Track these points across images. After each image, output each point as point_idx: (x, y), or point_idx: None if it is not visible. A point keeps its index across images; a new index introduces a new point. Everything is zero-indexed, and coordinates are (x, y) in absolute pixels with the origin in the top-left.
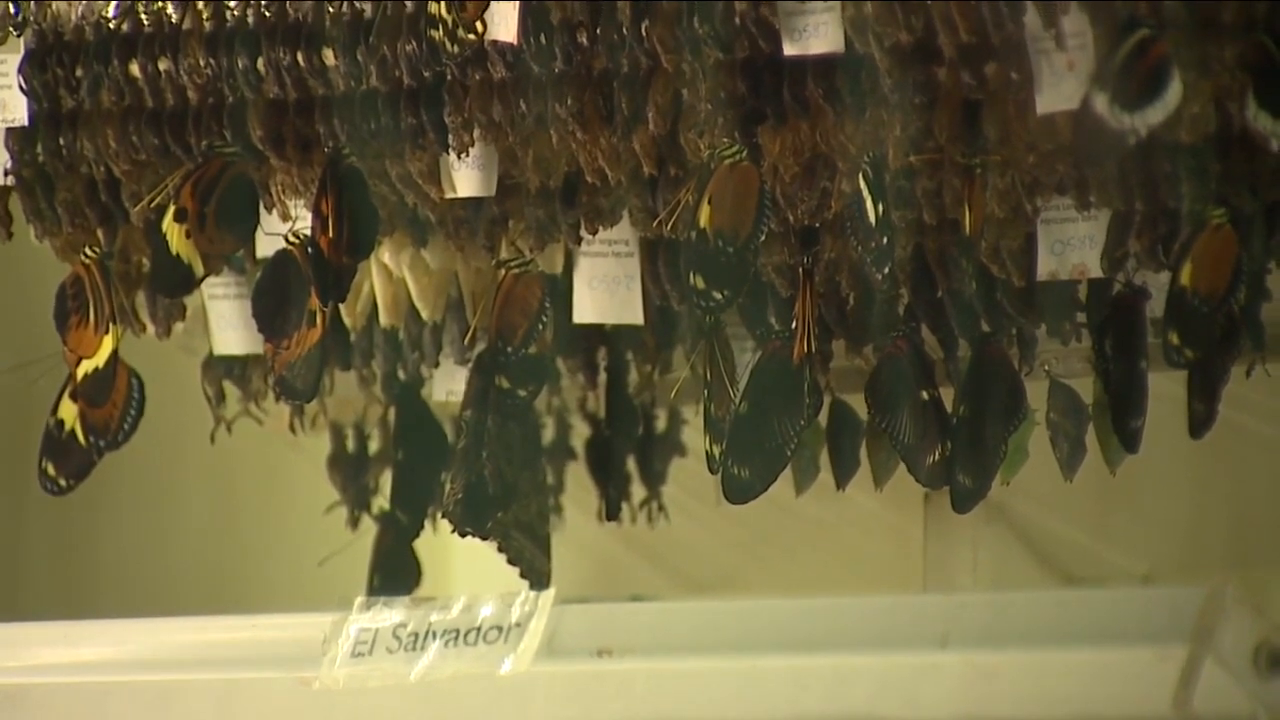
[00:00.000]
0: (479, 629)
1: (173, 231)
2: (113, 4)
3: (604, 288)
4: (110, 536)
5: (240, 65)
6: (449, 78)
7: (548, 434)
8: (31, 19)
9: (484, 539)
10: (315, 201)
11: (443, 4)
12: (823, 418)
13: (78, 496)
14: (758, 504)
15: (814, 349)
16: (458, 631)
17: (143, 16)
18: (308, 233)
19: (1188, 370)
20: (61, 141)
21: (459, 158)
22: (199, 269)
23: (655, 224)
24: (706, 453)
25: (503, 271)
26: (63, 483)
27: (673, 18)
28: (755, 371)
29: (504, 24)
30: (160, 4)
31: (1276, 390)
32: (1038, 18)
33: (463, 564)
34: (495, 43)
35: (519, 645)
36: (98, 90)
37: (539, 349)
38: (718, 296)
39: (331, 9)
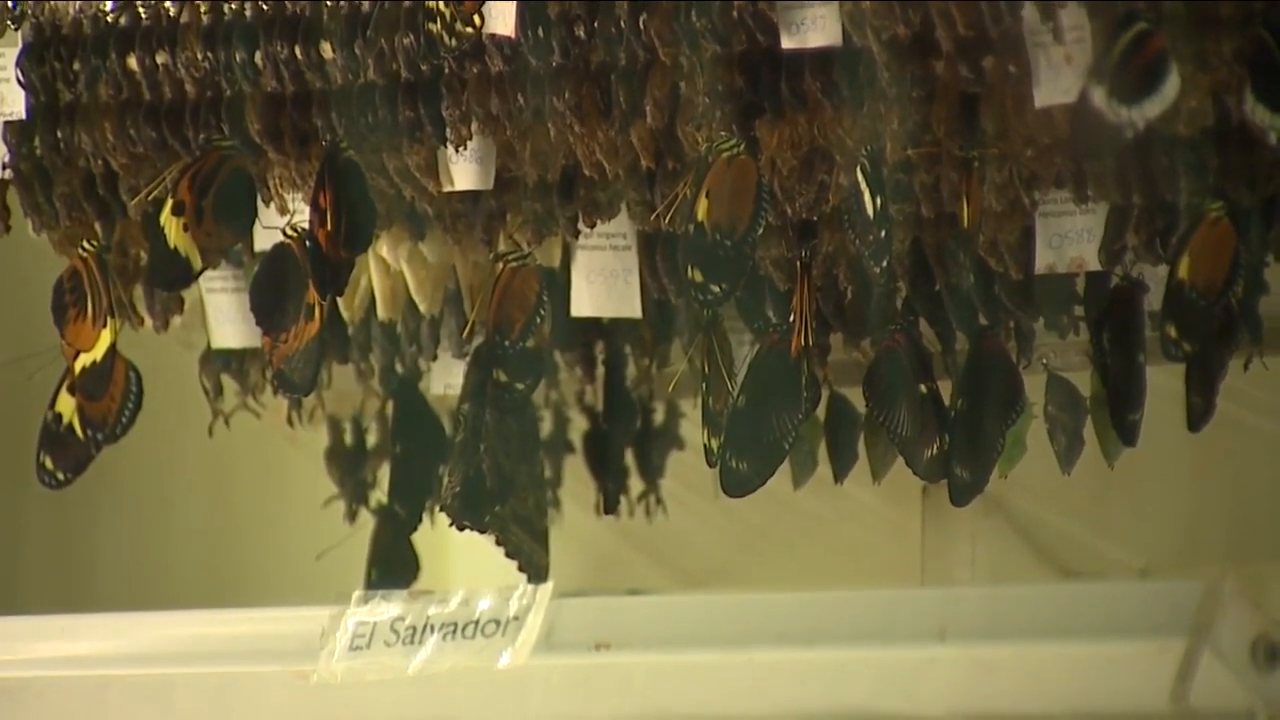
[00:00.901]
0: (477, 622)
1: (170, 225)
2: None
3: (602, 281)
4: (108, 530)
5: (238, 59)
6: (447, 71)
7: (545, 427)
8: (29, 13)
9: (482, 532)
10: (313, 195)
11: None
12: (821, 411)
13: (76, 490)
14: (755, 497)
15: (812, 342)
16: (456, 625)
17: (140, 10)
18: (305, 226)
19: (1186, 364)
20: (59, 135)
21: (457, 151)
22: (197, 262)
23: (653, 217)
24: (704, 446)
25: (500, 265)
26: (61, 476)
27: (670, 11)
28: (753, 365)
29: (501, 18)
30: None
31: (1274, 384)
32: (1035, 11)
33: (461, 558)
34: (493, 36)
35: (517, 639)
36: (95, 84)
37: (537, 342)
38: (715, 290)
39: (329, 3)
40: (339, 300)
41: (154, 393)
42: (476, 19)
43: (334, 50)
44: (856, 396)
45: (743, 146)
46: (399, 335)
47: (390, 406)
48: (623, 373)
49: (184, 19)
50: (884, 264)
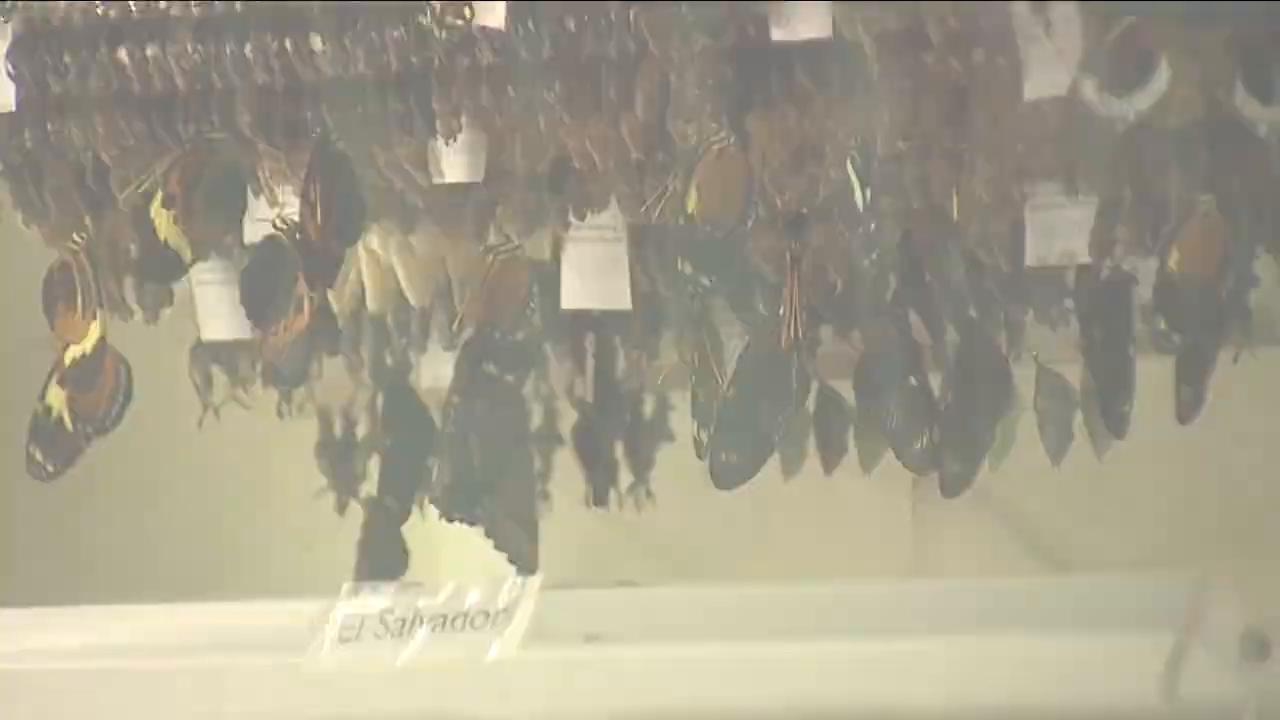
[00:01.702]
0: (466, 615)
1: (160, 217)
2: None
3: (592, 273)
4: (98, 522)
5: (228, 51)
6: (437, 64)
7: (535, 419)
8: (19, 5)
9: (471, 524)
10: (303, 187)
11: None
12: (810, 403)
13: (65, 482)
14: (745, 489)
15: (802, 335)
16: (445, 617)
17: (130, 3)
18: (296, 218)
19: (1176, 356)
20: (49, 128)
21: (447, 144)
22: (187, 255)
23: (643, 210)
24: (694, 438)
25: (490, 257)
26: (50, 468)
27: (661, 3)
28: (743, 357)
29: (491, 10)
30: None
31: (1264, 376)
32: (1026, 4)
33: (450, 550)
34: (483, 28)
35: (506, 631)
36: (86, 76)
37: (527, 334)
38: (705, 282)
39: None
40: (329, 292)
41: (144, 385)
42: (466, 11)
43: (324, 43)
44: (846, 388)
45: (733, 139)
46: (389, 327)
47: (380, 399)
48: (612, 365)
49: (174, 12)
50: (874, 256)
